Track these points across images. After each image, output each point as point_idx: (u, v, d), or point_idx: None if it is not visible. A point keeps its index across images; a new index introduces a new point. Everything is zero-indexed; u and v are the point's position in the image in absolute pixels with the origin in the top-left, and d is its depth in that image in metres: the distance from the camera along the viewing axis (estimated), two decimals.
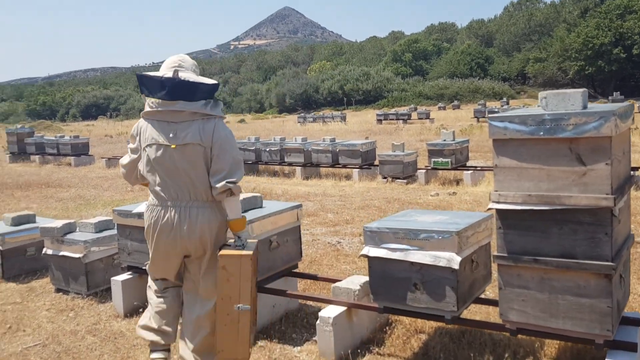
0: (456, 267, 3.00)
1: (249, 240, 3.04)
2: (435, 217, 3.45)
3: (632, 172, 3.10)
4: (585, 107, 2.70)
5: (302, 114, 38.31)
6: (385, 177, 10.70)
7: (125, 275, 4.39)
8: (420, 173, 10.57)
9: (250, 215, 3.83)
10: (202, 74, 3.28)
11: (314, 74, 66.37)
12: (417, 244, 3.13)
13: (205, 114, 2.92)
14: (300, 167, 12.06)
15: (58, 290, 4.91)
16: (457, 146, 10.44)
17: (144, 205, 4.36)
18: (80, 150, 16.16)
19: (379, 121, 30.92)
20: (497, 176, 2.82)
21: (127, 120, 53.52)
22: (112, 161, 15.23)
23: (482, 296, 3.59)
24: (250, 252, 2.87)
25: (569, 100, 2.70)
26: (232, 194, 2.91)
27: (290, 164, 12.37)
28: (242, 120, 41.93)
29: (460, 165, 10.63)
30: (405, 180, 10.44)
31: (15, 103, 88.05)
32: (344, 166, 11.68)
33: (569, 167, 2.63)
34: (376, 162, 11.38)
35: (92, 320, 4.25)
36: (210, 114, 2.93)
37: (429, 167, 10.61)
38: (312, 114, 41.00)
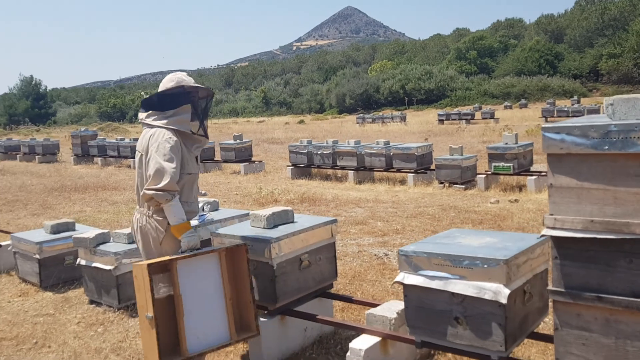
0: (504, 301, 2.59)
1: (188, 244, 3.07)
2: (482, 239, 3.03)
3: None
4: None
5: (361, 115, 37.85)
6: (442, 183, 10.18)
7: None
8: (480, 178, 9.98)
9: (279, 231, 3.54)
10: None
11: (375, 74, 65.69)
12: (459, 272, 2.73)
13: (147, 123, 3.20)
14: (352, 171, 11.69)
15: (91, 302, 4.80)
16: (520, 150, 9.78)
17: None
18: None
19: (441, 121, 30.09)
20: (553, 197, 2.38)
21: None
22: None
23: (538, 330, 3.13)
24: (145, 263, 2.87)
25: None
26: (158, 202, 3.06)
27: (342, 168, 12.04)
28: (301, 121, 41.99)
29: (524, 170, 9.96)
30: (463, 186, 9.89)
31: (88, 105, 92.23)
32: (399, 170, 11.22)
33: None
34: (433, 167, 10.87)
35: (119, 337, 4.08)
36: (152, 124, 3.16)
37: (489, 172, 10.00)
38: (372, 114, 40.49)
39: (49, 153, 19.30)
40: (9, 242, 5.61)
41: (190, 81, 3.26)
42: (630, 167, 2.18)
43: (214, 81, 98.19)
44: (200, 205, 4.25)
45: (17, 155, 20.47)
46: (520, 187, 9.73)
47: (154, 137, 3.11)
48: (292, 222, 3.79)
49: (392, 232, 7.08)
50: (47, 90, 76.94)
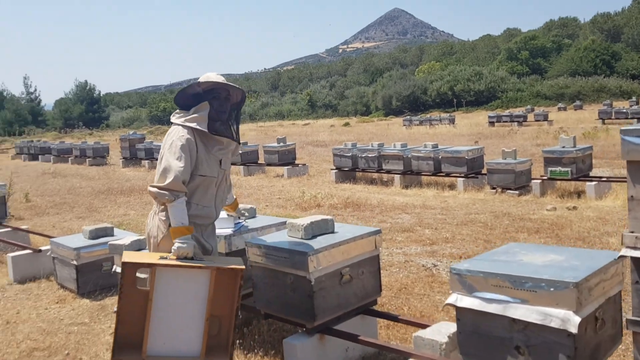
0: (574, 330, 2.23)
1: (178, 251, 2.86)
2: (546, 256, 2.67)
3: None
4: None
5: (408, 117, 37.23)
6: (494, 188, 9.69)
7: None
8: (535, 183, 9.44)
9: (317, 242, 3.27)
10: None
11: (422, 75, 64.69)
12: (521, 295, 2.39)
13: (171, 122, 3.17)
14: (399, 175, 11.32)
15: None
16: (578, 153, 9.19)
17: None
18: None
19: (491, 123, 29.22)
20: (634, 212, 2.03)
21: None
22: None
23: None
24: (124, 259, 2.80)
25: None
26: (160, 201, 3.01)
27: (388, 172, 11.68)
28: (346, 124, 41.65)
29: (582, 176, 9.36)
30: (517, 192, 9.38)
31: (139, 109, 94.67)
32: (448, 175, 10.78)
33: None
34: (484, 171, 10.39)
35: None
36: (173, 122, 3.13)
37: (545, 177, 9.45)
38: (419, 116, 39.79)
39: (99, 156, 19.69)
40: (48, 246, 5.56)
41: (216, 79, 3.13)
42: None
43: (260, 85, 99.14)
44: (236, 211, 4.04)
45: (69, 158, 20.99)
46: (579, 194, 9.14)
47: (170, 135, 3.09)
48: (333, 232, 3.52)
49: (442, 240, 6.71)
50: (101, 95, 79.45)
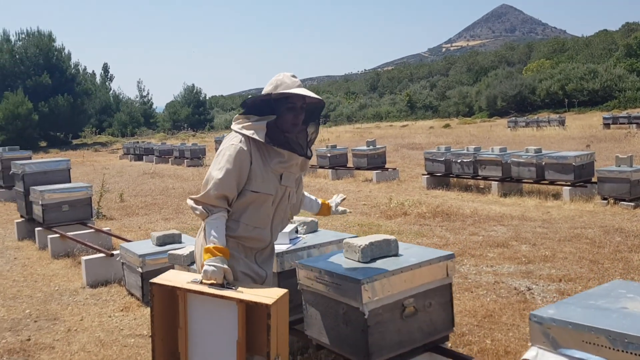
0: None
1: (205, 275, 2.46)
2: None
3: None
4: None
5: (513, 118, 35.23)
6: (605, 199, 8.62)
7: None
8: None
9: (375, 267, 2.81)
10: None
11: (531, 74, 61.23)
12: (621, 358, 1.79)
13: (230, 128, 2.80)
14: (496, 182, 10.45)
15: None
16: None
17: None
18: None
19: (606, 125, 26.87)
20: None
21: (334, 126, 55.44)
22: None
23: None
24: (155, 279, 2.53)
25: None
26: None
27: (485, 178, 10.83)
28: (446, 126, 40.28)
29: None
30: (632, 204, 8.27)
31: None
32: (552, 183, 9.77)
33: None
34: (594, 179, 9.30)
35: None
36: (231, 129, 2.73)
37: None
38: (526, 117, 37.58)
39: (196, 157, 20.29)
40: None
41: (291, 85, 2.61)
42: None
43: (359, 86, 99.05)
44: (294, 225, 3.66)
45: (169, 159, 21.86)
46: None
47: (224, 142, 2.71)
48: (396, 255, 3.03)
49: (539, 259, 5.94)
50: (207, 98, 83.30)
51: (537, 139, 21.59)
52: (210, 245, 2.50)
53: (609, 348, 1.84)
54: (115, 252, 5.66)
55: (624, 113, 30.54)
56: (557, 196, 9.58)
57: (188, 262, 4.28)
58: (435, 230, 7.61)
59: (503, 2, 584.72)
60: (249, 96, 3.03)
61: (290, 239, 3.50)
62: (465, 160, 11.12)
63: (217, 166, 2.59)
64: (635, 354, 1.78)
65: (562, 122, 29.23)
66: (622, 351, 1.81)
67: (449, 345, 3.82)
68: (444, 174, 11.68)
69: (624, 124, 26.35)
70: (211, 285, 2.43)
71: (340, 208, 3.27)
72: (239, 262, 2.62)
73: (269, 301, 2.28)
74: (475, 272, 5.59)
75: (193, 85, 69.36)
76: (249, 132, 2.60)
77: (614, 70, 52.48)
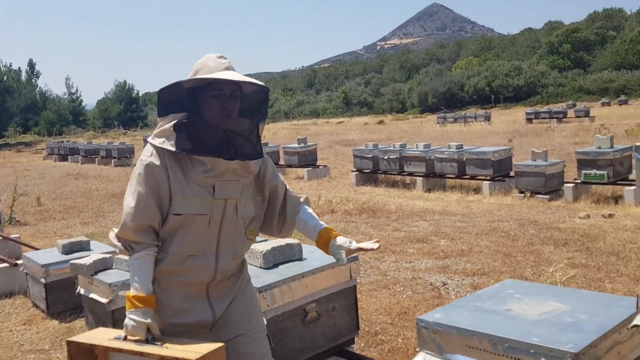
0: None
1: (127, 329, 1.98)
2: (545, 304, 2.07)
3: None
4: None
5: (443, 114, 36.21)
6: (522, 192, 8.95)
7: None
8: (567, 188, 8.65)
9: (276, 274, 2.73)
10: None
11: (460, 71, 63.24)
12: None
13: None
14: (421, 178, 10.65)
15: None
16: (616, 155, 8.35)
17: None
18: None
19: (529, 120, 28.07)
20: None
21: (272, 123, 55.18)
22: None
23: None
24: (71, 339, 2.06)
25: None
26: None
27: (410, 174, 11.02)
28: (380, 122, 40.91)
29: (621, 179, 8.51)
30: (547, 197, 8.62)
31: None
32: (473, 177, 10.07)
33: None
34: (512, 173, 9.64)
35: None
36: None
37: (579, 181, 8.65)
38: (455, 113, 38.72)
39: (124, 157, 19.62)
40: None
41: (215, 68, 2.02)
42: None
43: (296, 83, 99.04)
44: None
45: (96, 159, 21.03)
46: (616, 199, 8.31)
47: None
48: (300, 259, 2.98)
49: (456, 253, 6.07)
50: (139, 95, 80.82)
51: (464, 135, 22.26)
52: (132, 293, 2.00)
53: (491, 352, 1.84)
54: (19, 262, 5.32)
55: (545, 108, 32.03)
56: (477, 190, 9.87)
57: (91, 272, 4.07)
58: (361, 227, 7.65)
59: (434, 1, 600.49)
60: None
61: None
62: (391, 157, 11.27)
63: (130, 191, 2.05)
64: (515, 358, 1.79)
65: (487, 118, 30.30)
66: (503, 355, 1.82)
67: (362, 344, 3.83)
68: (372, 171, 11.79)
69: (545, 118, 27.59)
70: (135, 341, 2.00)
71: (342, 253, 2.15)
72: (165, 310, 2.06)
73: (194, 357, 1.89)
74: (394, 269, 5.64)
75: (125, 82, 67.22)
76: (158, 142, 2.02)
77: (537, 67, 54.97)
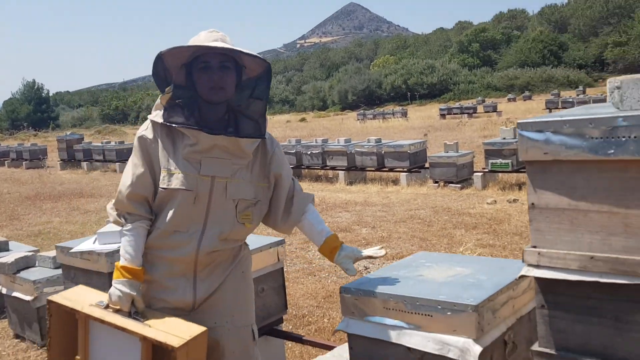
0: None
1: (111, 299, 1.97)
2: (451, 269, 2.33)
3: None
4: None
5: (362, 111, 37.11)
6: (436, 182, 9.47)
7: None
8: (477, 176, 9.26)
9: None
10: None
11: (377, 69, 64.91)
12: (416, 320, 2.03)
13: None
14: (343, 172, 10.99)
15: (17, 337, 4.14)
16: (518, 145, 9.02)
17: (89, 241, 3.49)
18: (125, 156, 15.81)
19: (442, 116, 29.38)
20: (536, 222, 1.69)
21: None
22: None
23: None
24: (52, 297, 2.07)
25: None
26: None
27: (332, 168, 11.33)
28: (302, 119, 41.31)
29: (524, 167, 9.20)
30: (459, 185, 9.17)
31: (90, 108, 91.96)
32: (391, 170, 10.52)
33: None
34: (427, 165, 10.16)
35: None
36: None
37: (487, 170, 9.27)
38: (374, 110, 39.74)
39: (35, 158, 18.71)
40: None
41: (204, 40, 1.98)
42: None
43: None
44: None
45: (6, 161, 19.91)
46: (520, 186, 9.00)
47: None
48: None
49: (377, 240, 6.39)
50: (50, 95, 76.71)
51: (383, 130, 22.98)
52: (120, 264, 2.00)
53: (406, 311, 2.07)
54: None
55: (457, 104, 33.57)
56: (396, 182, 10.32)
57: (14, 270, 4.00)
58: None
59: (351, 1, 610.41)
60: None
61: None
62: (314, 152, 11.54)
63: (128, 162, 2.08)
64: (426, 315, 2.03)
65: (404, 114, 31.39)
66: (416, 313, 2.05)
67: (290, 327, 4.01)
68: (295, 166, 12.00)
69: (457, 114, 28.98)
70: (117, 311, 1.98)
71: (350, 262, 2.19)
72: (151, 284, 2.05)
73: (177, 342, 1.84)
74: (319, 257, 5.86)
75: (34, 81, 63.72)
76: (152, 115, 2.03)
77: (449, 65, 57.38)
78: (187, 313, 2.04)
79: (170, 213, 1.99)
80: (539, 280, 1.70)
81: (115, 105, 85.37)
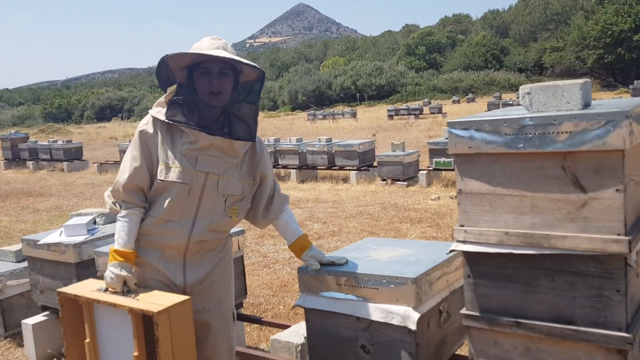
0: (413, 327, 2.20)
1: (105, 280, 2.19)
2: (395, 251, 2.65)
3: None
4: (587, 105, 1.88)
5: (312, 112, 37.49)
6: (384, 180, 9.89)
7: (39, 317, 3.67)
8: (422, 174, 9.73)
9: None
10: None
11: (327, 70, 65.49)
12: (365, 293, 2.34)
13: None
14: (295, 170, 11.27)
15: None
16: None
17: (56, 233, 3.64)
18: (73, 155, 15.60)
19: (390, 117, 30.06)
20: (463, 205, 2.01)
21: (139, 121, 53.22)
22: (104, 166, 14.62)
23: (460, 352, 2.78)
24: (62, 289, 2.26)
25: (562, 96, 1.89)
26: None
27: (284, 167, 11.60)
28: None
29: None
30: (405, 183, 9.62)
31: (32, 106, 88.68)
32: (341, 168, 10.88)
33: (562, 195, 1.82)
34: (375, 163, 10.57)
35: None
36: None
37: (431, 168, 9.76)
38: (324, 110, 40.19)
39: None
40: None
41: (206, 47, 2.17)
42: (550, 168, 1.82)
43: None
44: (92, 217, 3.73)
45: None
46: None
47: None
48: None
49: (328, 234, 6.70)
50: None
51: (333, 130, 23.40)
52: (113, 248, 2.20)
53: (356, 286, 2.37)
54: None
55: (404, 105, 34.40)
56: (346, 180, 10.69)
57: None
58: None
59: (301, 1, 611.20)
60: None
61: (88, 230, 3.57)
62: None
63: (127, 154, 2.26)
64: (373, 288, 2.33)
65: (354, 115, 31.97)
66: (364, 287, 2.36)
67: (248, 313, 4.26)
68: None
69: (404, 115, 29.75)
70: (113, 292, 2.17)
71: (315, 262, 2.45)
72: (145, 266, 2.25)
73: (156, 308, 1.98)
74: (273, 251, 6.13)
75: None
76: (154, 111, 2.21)
77: (396, 67, 58.54)
78: (166, 293, 2.21)
79: (165, 203, 2.18)
80: (465, 253, 2.03)
81: (58, 103, 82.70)
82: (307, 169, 11.33)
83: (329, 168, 11.05)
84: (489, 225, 1.95)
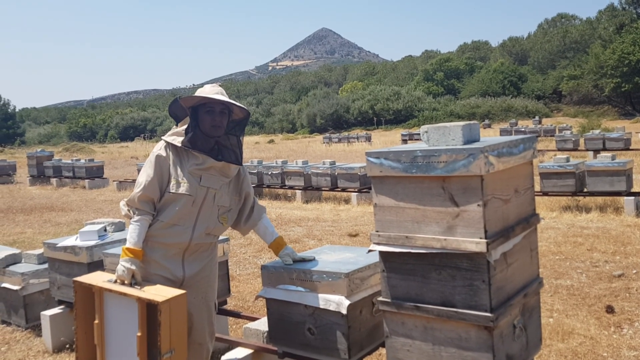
0: (344, 311, 2.80)
1: (117, 273, 2.73)
2: (342, 255, 3.25)
3: (534, 211, 2.83)
4: (469, 141, 2.49)
5: (328, 135, 38.29)
6: None
7: (56, 310, 4.32)
8: None
9: None
10: (238, 96, 3.33)
11: (346, 94, 66.51)
12: (310, 285, 2.95)
13: None
14: (300, 191, 11.92)
15: (3, 322, 4.88)
16: None
17: (72, 238, 4.30)
18: (95, 174, 16.46)
19: (404, 141, 30.60)
20: (378, 215, 2.62)
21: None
22: (123, 184, 15.44)
23: None
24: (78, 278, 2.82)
25: (449, 134, 2.50)
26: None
27: (291, 187, 12.26)
28: (271, 141, 42.20)
29: None
30: None
31: (58, 125, 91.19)
32: (343, 190, 11.49)
33: (443, 208, 2.42)
34: None
35: (20, 355, 4.19)
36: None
37: None
38: (339, 134, 40.96)
39: (5, 174, 19.11)
40: None
41: (209, 92, 2.87)
42: (434, 188, 2.43)
43: None
44: (102, 225, 4.40)
45: None
46: None
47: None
48: None
49: None
50: (16, 110, 76.00)
51: (346, 153, 24.05)
52: (126, 246, 2.76)
53: (305, 280, 2.98)
54: None
55: (418, 130, 34.93)
56: (347, 201, 11.29)
57: (3, 265, 4.76)
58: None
59: (323, 26, 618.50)
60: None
61: (99, 236, 4.24)
62: (274, 172, 12.45)
63: (142, 172, 2.87)
64: (317, 281, 2.93)
65: (368, 139, 32.63)
66: (311, 281, 2.96)
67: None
68: (257, 185, 12.88)
69: (418, 139, 30.27)
70: (122, 284, 2.69)
71: (289, 259, 3.10)
72: (150, 263, 2.80)
73: (160, 299, 2.50)
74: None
75: (0, 97, 63.12)
76: (169, 139, 2.86)
77: (414, 92, 59.21)
78: (178, 287, 2.81)
79: (173, 211, 2.79)
80: (380, 253, 2.63)
81: (83, 122, 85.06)
82: (311, 190, 11.97)
83: (332, 189, 11.66)
84: (395, 231, 2.55)
